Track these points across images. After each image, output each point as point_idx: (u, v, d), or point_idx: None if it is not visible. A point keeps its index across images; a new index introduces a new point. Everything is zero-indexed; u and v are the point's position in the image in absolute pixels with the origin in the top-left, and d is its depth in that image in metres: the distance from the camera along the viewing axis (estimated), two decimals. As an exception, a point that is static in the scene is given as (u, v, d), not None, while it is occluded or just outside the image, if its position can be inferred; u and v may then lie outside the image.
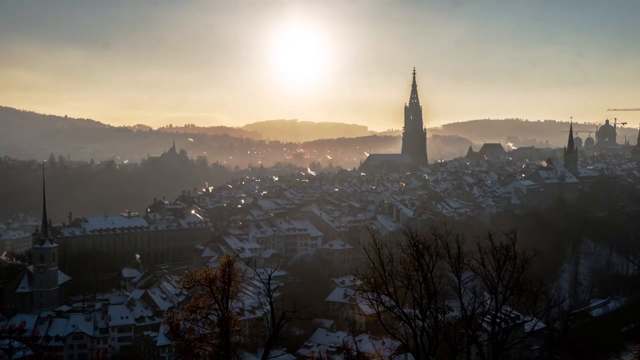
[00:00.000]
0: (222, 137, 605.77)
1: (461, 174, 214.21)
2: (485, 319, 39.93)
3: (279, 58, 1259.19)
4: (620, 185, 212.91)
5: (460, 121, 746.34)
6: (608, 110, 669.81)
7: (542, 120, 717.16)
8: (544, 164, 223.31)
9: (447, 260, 35.37)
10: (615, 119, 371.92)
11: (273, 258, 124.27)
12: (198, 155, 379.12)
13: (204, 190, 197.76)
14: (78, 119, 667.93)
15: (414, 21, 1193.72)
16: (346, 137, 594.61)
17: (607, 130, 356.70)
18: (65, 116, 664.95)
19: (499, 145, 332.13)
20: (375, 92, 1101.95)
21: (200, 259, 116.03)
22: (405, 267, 34.42)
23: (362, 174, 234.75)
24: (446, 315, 37.70)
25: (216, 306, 30.97)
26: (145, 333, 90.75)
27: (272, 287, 33.33)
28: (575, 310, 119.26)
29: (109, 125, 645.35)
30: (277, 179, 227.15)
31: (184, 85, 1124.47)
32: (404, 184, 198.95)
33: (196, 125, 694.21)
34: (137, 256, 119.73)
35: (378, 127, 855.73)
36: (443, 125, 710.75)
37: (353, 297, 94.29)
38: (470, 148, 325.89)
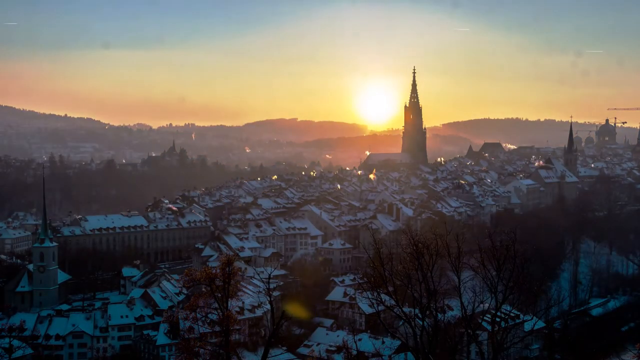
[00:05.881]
0: (222, 137, 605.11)
1: (461, 173, 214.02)
2: (485, 318, 39.94)
3: (279, 57, 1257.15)
4: (620, 184, 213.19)
5: (460, 120, 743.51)
6: (608, 109, 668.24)
7: (542, 119, 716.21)
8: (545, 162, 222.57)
9: (447, 260, 35.33)
10: (615, 118, 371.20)
11: (273, 257, 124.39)
12: (198, 155, 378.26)
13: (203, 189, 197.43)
14: (78, 118, 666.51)
15: (414, 21, 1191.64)
16: (346, 136, 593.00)
17: (607, 130, 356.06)
18: (65, 115, 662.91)
19: (498, 145, 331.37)
20: (375, 92, 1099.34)
21: (200, 258, 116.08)
22: (405, 266, 34.39)
23: (361, 172, 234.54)
24: (446, 315, 37.72)
25: (216, 305, 30.98)
26: (145, 332, 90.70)
27: (272, 286, 33.39)
28: (575, 310, 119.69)
29: (109, 124, 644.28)
30: (276, 178, 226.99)
31: (183, 84, 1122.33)
32: (403, 183, 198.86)
33: (196, 125, 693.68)
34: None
35: (378, 126, 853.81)
36: (443, 125, 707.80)
37: (353, 296, 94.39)
38: (470, 147, 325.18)
